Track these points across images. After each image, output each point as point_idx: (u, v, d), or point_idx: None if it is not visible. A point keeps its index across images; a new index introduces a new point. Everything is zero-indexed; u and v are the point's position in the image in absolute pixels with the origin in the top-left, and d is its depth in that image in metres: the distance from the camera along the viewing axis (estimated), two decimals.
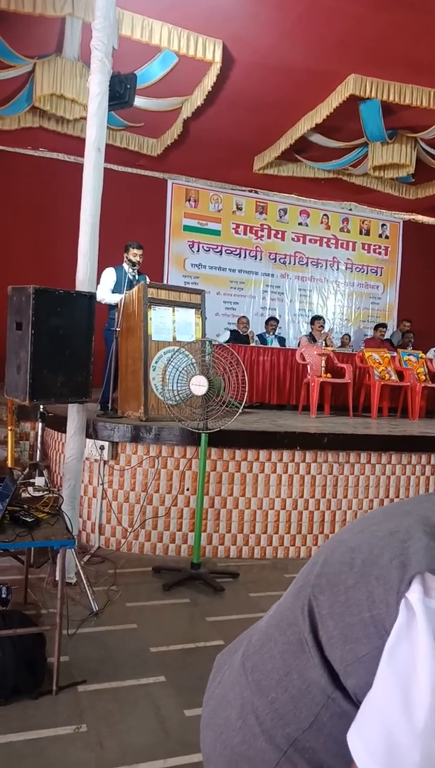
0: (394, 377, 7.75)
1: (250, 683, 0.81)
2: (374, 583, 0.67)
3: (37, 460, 4.69)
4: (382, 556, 0.68)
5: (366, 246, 11.62)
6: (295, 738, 0.74)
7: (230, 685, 0.85)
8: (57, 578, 2.94)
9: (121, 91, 4.43)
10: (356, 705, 0.67)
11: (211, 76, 6.37)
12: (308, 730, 0.73)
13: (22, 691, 2.66)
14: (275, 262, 10.88)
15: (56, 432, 5.33)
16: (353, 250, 11.52)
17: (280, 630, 0.80)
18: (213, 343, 4.50)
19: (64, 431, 4.16)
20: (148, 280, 5.53)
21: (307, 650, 0.73)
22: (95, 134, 4.01)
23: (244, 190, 10.58)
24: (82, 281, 3.97)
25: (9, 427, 4.87)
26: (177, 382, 4.20)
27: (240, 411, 4.07)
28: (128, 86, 4.52)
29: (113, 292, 5.64)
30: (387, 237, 11.77)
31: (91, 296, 3.82)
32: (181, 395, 4.23)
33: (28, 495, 3.33)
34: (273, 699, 0.77)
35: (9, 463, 4.78)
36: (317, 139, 7.92)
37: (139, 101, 5.97)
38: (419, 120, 7.20)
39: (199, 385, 4.07)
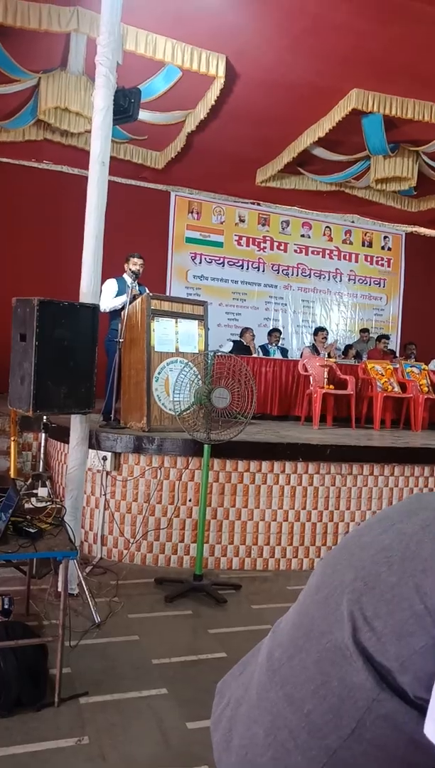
0: (396, 389, 7.75)
1: (280, 698, 0.80)
2: (420, 575, 0.68)
3: (40, 470, 4.72)
4: (421, 550, 0.70)
5: (368, 258, 11.66)
6: (335, 749, 0.73)
7: (254, 702, 0.84)
8: (59, 589, 2.94)
9: (125, 105, 4.48)
10: (406, 702, 0.68)
11: (214, 91, 6.42)
12: (349, 738, 0.72)
13: (25, 703, 2.65)
14: (278, 273, 10.91)
15: (59, 442, 5.33)
16: (356, 261, 11.56)
17: (311, 640, 0.79)
18: (221, 354, 4.52)
19: (67, 442, 4.17)
20: (147, 291, 5.57)
21: (349, 655, 0.73)
22: (100, 148, 4.04)
23: (247, 203, 10.63)
24: (86, 293, 4.00)
25: (12, 438, 4.88)
26: (195, 393, 4.20)
27: (246, 422, 4.08)
28: (132, 100, 4.56)
29: None
30: (389, 249, 11.81)
31: (95, 308, 3.85)
32: (188, 404, 4.24)
33: (31, 506, 3.33)
34: (309, 711, 0.76)
35: (12, 474, 4.79)
36: (320, 152, 7.98)
37: (143, 115, 6.02)
38: (421, 134, 7.26)
39: (222, 398, 4.10)
